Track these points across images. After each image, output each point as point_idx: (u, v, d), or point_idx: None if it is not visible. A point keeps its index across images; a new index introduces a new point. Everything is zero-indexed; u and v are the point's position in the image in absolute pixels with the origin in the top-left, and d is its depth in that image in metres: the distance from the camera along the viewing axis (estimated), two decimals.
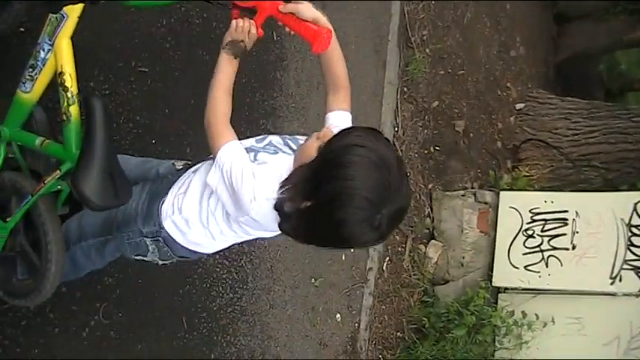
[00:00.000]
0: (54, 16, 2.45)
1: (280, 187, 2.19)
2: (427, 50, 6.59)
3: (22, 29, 3.12)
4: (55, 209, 2.66)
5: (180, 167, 2.73)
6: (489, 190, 6.41)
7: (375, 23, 6.02)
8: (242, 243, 4.21)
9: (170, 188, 2.55)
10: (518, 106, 7.81)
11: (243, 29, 2.32)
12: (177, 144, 3.87)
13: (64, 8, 2.41)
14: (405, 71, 6.27)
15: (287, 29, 2.41)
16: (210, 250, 2.68)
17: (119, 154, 2.95)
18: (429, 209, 6.32)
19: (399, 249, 5.96)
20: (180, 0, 2.43)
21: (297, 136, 2.55)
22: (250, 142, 2.49)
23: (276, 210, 2.19)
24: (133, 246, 2.60)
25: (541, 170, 7.04)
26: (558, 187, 6.81)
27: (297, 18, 2.36)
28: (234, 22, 2.34)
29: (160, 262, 2.67)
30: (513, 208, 6.08)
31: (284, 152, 2.44)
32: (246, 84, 4.44)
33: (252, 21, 2.34)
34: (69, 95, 2.45)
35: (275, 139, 2.53)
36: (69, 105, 2.45)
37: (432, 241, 6.27)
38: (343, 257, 5.28)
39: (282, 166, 2.30)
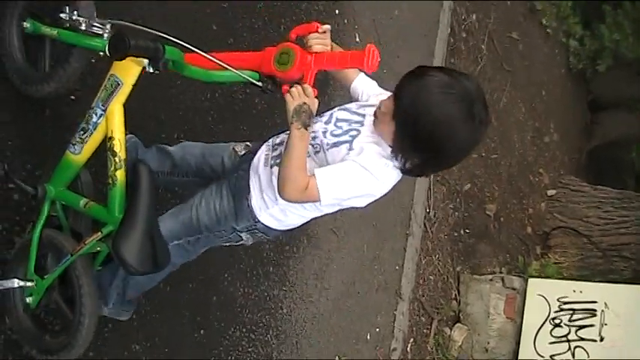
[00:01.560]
0: (109, 82, 2.53)
1: (393, 157, 2.37)
2: None
3: (72, 97, 3.20)
4: (92, 268, 2.70)
5: (243, 153, 2.78)
6: (518, 276, 6.36)
7: None
8: (269, 318, 4.27)
9: (249, 183, 2.61)
10: (550, 192, 7.82)
11: (300, 93, 2.36)
12: None
13: (119, 75, 2.50)
14: None
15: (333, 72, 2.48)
16: (301, 222, 2.75)
17: (189, 142, 3.09)
18: (456, 292, 6.29)
19: (424, 330, 5.92)
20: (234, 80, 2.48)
21: (358, 106, 2.60)
22: (321, 125, 2.53)
23: (403, 173, 2.40)
24: (225, 240, 2.73)
25: (570, 258, 6.99)
26: (587, 276, 6.73)
27: (335, 53, 2.43)
28: (287, 94, 2.38)
29: (250, 243, 2.78)
30: (541, 295, 6.03)
31: (359, 130, 2.48)
32: None
33: (304, 84, 2.39)
34: (117, 160, 2.51)
35: (341, 114, 2.57)
36: (116, 169, 2.51)
37: (458, 324, 6.21)
38: (368, 336, 5.25)
39: (372, 143, 2.41)
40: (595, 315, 5.78)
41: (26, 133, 3.01)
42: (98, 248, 2.64)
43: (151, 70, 2.42)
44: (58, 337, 2.80)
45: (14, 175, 2.74)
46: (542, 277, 6.45)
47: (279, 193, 2.40)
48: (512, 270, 6.79)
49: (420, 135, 2.27)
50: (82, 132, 2.61)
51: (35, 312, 2.82)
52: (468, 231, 6.53)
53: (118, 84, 2.51)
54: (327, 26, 2.51)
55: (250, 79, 2.49)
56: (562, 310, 5.93)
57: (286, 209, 2.57)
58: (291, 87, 2.39)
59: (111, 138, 2.52)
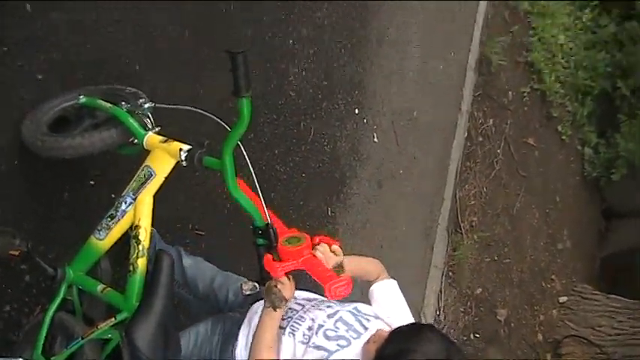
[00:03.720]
0: (142, 172, 2.59)
1: None
2: (475, 237, 6.68)
3: (92, 182, 3.24)
4: (100, 357, 2.69)
5: (248, 293, 2.72)
6: None
7: (427, 206, 6.16)
8: None
9: (239, 331, 2.57)
10: (562, 299, 7.77)
11: (284, 287, 2.39)
12: None
13: (153, 166, 2.57)
14: (452, 256, 6.35)
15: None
16: None
17: (204, 262, 3.08)
18: None
19: None
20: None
21: (368, 315, 2.58)
22: (322, 317, 2.52)
23: None
24: None
25: None
26: None
27: (320, 264, 2.40)
28: (271, 287, 2.39)
29: None
30: None
31: (350, 342, 2.44)
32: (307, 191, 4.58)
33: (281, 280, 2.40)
34: (140, 248, 2.53)
35: (346, 315, 2.54)
36: (138, 257, 2.53)
37: None
38: None
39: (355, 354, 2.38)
40: None
41: (44, 215, 3.04)
42: (109, 335, 2.62)
43: (185, 165, 2.49)
44: None
45: (35, 255, 2.76)
46: None
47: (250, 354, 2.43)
48: None
49: None
50: (109, 219, 2.64)
51: None
52: (477, 335, 6.47)
53: (151, 175, 2.57)
54: (340, 251, 2.47)
55: (256, 222, 2.50)
56: None
57: None
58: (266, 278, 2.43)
59: (137, 226, 2.55)
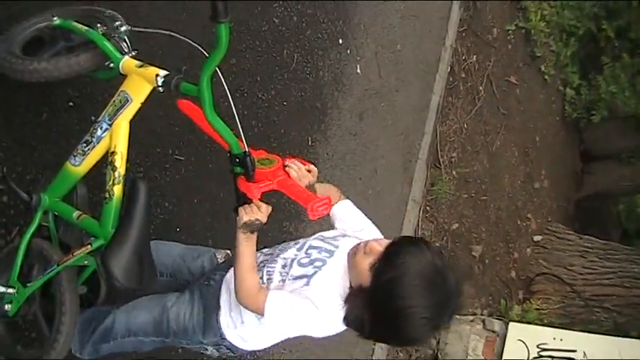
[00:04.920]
0: (118, 97, 2.52)
1: (344, 305, 2.28)
2: (454, 172, 6.68)
3: (71, 104, 3.18)
4: (76, 284, 2.66)
5: (222, 261, 2.77)
6: (498, 319, 6.36)
7: (408, 140, 6.13)
8: None
9: (219, 299, 2.56)
10: (536, 238, 7.84)
11: (254, 210, 2.33)
12: (201, 235, 3.88)
13: (130, 92, 2.51)
14: (430, 191, 6.35)
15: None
16: (266, 346, 2.68)
17: (165, 242, 3.00)
18: None
19: None
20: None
21: (336, 236, 2.57)
22: (292, 252, 2.51)
23: (345, 320, 2.30)
24: (192, 347, 2.68)
25: (552, 305, 7.01)
26: (568, 324, 6.74)
27: (297, 185, 2.37)
28: (241, 209, 2.34)
29: (215, 357, 2.71)
30: (521, 340, 6.02)
31: (326, 262, 2.43)
32: None
33: (258, 203, 2.35)
34: (116, 175, 2.48)
35: (314, 242, 2.53)
36: (114, 184, 2.48)
37: None
38: None
39: (334, 280, 2.35)
40: None
41: (21, 137, 2.98)
42: (86, 262, 2.60)
43: (162, 91, 2.43)
44: (30, 350, 2.75)
45: (10, 179, 2.71)
46: (523, 322, 6.44)
47: (236, 297, 2.39)
48: (494, 313, 6.79)
49: (383, 307, 2.20)
50: (84, 144, 2.58)
51: (12, 320, 2.76)
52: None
53: (128, 100, 2.51)
54: (315, 170, 2.45)
55: (233, 150, 2.44)
56: (541, 356, 5.93)
57: (252, 331, 2.52)
58: (243, 204, 2.38)
59: (113, 152, 2.50)
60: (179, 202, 3.78)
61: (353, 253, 2.35)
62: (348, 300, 2.28)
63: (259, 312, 2.33)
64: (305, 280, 2.37)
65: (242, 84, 4.23)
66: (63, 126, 3.11)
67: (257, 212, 2.32)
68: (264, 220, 2.35)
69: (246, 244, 2.36)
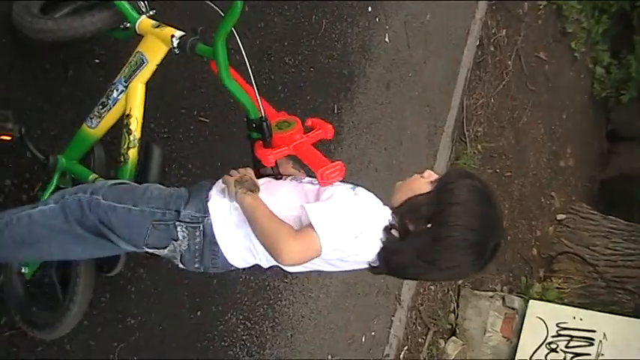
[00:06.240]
0: (134, 59, 2.50)
1: (397, 214, 2.23)
2: (479, 147, 6.61)
3: (97, 60, 3.16)
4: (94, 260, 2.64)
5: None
6: (518, 297, 6.33)
7: (434, 112, 6.06)
8: (267, 308, 4.23)
9: (215, 235, 2.25)
10: (560, 216, 7.77)
11: (241, 175, 2.22)
12: None
13: (146, 53, 2.48)
14: (455, 164, 6.29)
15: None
16: (244, 265, 2.38)
17: None
18: (456, 305, 6.25)
19: (419, 340, 5.87)
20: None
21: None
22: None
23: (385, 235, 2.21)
24: (158, 230, 2.24)
25: (573, 285, 6.94)
26: (588, 304, 6.67)
27: (314, 150, 2.33)
28: (226, 176, 2.25)
29: (180, 264, 2.31)
30: (540, 318, 5.99)
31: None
32: None
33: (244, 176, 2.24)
34: (131, 138, 2.48)
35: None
36: (129, 147, 2.48)
37: (453, 337, 6.17)
38: (363, 339, 5.21)
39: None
40: (592, 344, 5.75)
41: (46, 94, 2.96)
42: None
43: (177, 52, 2.41)
44: (44, 313, 2.75)
45: (29, 140, 2.68)
46: (543, 300, 6.40)
47: (281, 262, 2.12)
48: (514, 290, 6.75)
49: (439, 225, 2.17)
50: (100, 106, 2.58)
51: (28, 282, 2.78)
52: None
53: (143, 62, 2.49)
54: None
55: (250, 114, 2.39)
56: (560, 335, 5.89)
57: (237, 222, 2.24)
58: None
59: (129, 115, 2.49)
60: (202, 165, 3.76)
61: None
62: (397, 212, 2.23)
63: (314, 248, 2.06)
64: (351, 186, 2.28)
65: (270, 48, 4.19)
66: (88, 84, 3.09)
67: (241, 173, 2.24)
68: (253, 176, 2.25)
69: (252, 201, 2.16)
